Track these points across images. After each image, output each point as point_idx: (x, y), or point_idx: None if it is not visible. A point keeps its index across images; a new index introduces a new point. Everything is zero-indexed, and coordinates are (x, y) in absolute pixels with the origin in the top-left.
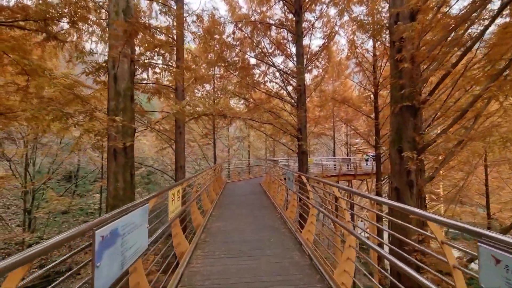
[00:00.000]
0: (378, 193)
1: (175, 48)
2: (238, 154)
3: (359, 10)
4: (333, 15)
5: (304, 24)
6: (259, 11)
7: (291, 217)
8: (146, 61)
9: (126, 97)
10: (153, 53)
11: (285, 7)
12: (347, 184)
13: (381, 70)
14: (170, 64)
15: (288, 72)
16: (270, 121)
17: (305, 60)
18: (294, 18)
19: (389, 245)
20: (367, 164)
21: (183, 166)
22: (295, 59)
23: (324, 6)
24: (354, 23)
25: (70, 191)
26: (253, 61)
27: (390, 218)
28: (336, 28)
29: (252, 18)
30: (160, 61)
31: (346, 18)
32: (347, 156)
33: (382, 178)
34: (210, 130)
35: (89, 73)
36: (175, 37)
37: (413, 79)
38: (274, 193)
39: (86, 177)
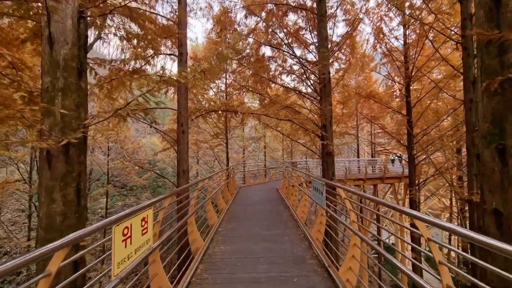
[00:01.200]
0: (412, 200)
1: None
2: (253, 156)
3: None
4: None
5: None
6: None
7: (318, 238)
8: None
9: (68, 70)
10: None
11: None
12: (372, 188)
13: (415, 59)
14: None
15: (309, 62)
16: (289, 118)
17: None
18: None
19: None
20: (393, 165)
21: (186, 171)
22: (315, 52)
23: None
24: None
25: None
26: (268, 53)
27: (480, 263)
28: (361, 16)
29: (268, 6)
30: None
31: (371, 4)
32: (372, 157)
33: (416, 183)
34: (222, 130)
35: (25, 39)
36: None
37: None
38: (293, 202)
39: (99, 179)
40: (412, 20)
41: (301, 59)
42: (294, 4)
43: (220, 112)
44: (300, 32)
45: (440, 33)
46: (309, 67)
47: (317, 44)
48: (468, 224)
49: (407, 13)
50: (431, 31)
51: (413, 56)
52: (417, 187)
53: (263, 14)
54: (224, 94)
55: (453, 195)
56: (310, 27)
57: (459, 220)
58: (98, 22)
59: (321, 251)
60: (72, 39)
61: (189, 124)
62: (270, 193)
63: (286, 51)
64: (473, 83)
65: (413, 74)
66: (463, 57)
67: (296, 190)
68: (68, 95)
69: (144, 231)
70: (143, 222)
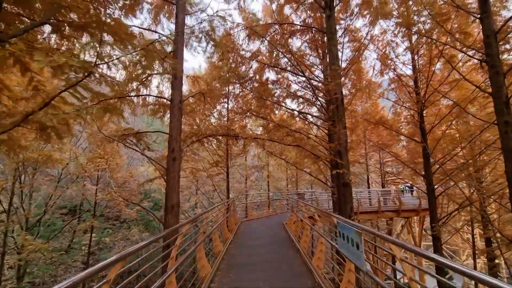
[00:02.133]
0: (436, 238)
1: None
2: (256, 186)
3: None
4: (361, 26)
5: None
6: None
7: None
8: None
9: None
10: None
11: (310, 11)
12: (386, 223)
13: (427, 83)
14: None
15: (319, 82)
16: (297, 143)
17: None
18: (324, 14)
19: None
20: (403, 196)
21: (176, 205)
22: (321, 76)
23: (348, 20)
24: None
25: (72, 226)
26: (272, 77)
27: None
28: (366, 42)
29: (273, 27)
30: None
31: (376, 31)
32: (382, 187)
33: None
34: (223, 157)
35: None
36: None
37: None
38: (305, 244)
39: (90, 210)
40: (420, 46)
41: (309, 79)
42: (300, 23)
43: (220, 137)
44: (305, 57)
45: (463, 52)
46: (319, 88)
47: (322, 69)
48: None
49: (416, 36)
50: (446, 52)
51: (425, 81)
52: (439, 222)
53: (267, 37)
54: (226, 119)
55: (475, 230)
56: (317, 51)
57: (488, 264)
58: None
59: None
60: None
61: (186, 151)
62: (276, 230)
63: (292, 72)
64: (506, 104)
65: (426, 98)
66: (491, 75)
67: (307, 228)
68: None
69: None
70: None
